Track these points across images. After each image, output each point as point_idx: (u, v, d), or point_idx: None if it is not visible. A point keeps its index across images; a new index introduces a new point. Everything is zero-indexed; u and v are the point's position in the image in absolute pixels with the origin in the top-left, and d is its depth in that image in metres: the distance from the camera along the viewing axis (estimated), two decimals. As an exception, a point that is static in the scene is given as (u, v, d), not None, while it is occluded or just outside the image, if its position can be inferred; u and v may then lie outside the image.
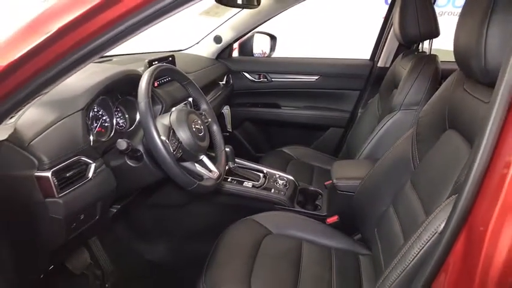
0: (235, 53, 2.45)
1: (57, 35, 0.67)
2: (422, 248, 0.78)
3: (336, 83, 2.29)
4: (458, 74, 1.10)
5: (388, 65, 2.14)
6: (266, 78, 2.37)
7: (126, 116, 1.31)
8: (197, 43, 2.30)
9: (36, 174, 0.88)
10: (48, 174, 0.89)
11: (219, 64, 2.27)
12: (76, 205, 0.96)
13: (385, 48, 2.17)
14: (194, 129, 1.13)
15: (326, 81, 2.29)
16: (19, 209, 0.91)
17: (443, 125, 1.10)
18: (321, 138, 2.40)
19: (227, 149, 1.46)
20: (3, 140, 0.85)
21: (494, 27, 0.82)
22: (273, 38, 2.48)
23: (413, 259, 0.81)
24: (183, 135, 1.09)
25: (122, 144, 1.01)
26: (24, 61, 0.69)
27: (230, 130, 2.34)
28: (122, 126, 1.29)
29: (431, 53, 1.72)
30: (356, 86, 2.27)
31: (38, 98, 0.91)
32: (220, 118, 2.29)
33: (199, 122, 1.18)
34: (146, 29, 0.70)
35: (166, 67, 1.14)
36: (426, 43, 1.76)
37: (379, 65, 2.21)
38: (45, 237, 0.95)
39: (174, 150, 1.04)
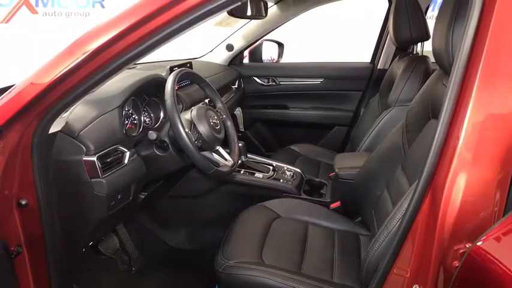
0: (246, 60, 2.65)
1: (92, 54, 0.85)
2: (404, 213, 0.94)
3: (340, 85, 2.46)
4: (438, 72, 1.26)
5: (387, 67, 2.30)
6: (275, 82, 2.56)
7: (152, 115, 1.51)
8: (211, 51, 2.50)
9: (85, 158, 1.08)
10: (94, 158, 1.09)
11: (231, 70, 2.47)
12: (115, 185, 1.16)
13: (383, 51, 2.34)
14: (212, 123, 1.33)
15: (330, 83, 2.47)
16: (70, 187, 1.11)
17: (427, 115, 1.26)
18: (327, 136, 2.57)
19: (240, 144, 1.65)
20: (58, 131, 1.05)
21: (457, 28, 0.98)
22: (280, 45, 2.66)
23: (396, 224, 0.97)
24: (203, 128, 1.28)
25: (152, 135, 1.21)
26: (68, 74, 0.87)
27: (243, 130, 2.53)
28: (148, 123, 1.49)
29: (424, 54, 1.89)
30: (358, 87, 2.44)
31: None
32: (233, 119, 2.47)
33: (215, 117, 1.38)
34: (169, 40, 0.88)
35: (187, 71, 1.34)
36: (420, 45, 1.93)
37: (378, 67, 2.38)
38: (90, 211, 1.15)
39: (195, 140, 1.24)
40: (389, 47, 2.30)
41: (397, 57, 2.09)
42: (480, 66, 0.75)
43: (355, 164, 1.64)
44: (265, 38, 2.50)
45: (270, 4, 2.26)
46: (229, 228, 1.44)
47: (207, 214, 1.87)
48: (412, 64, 1.77)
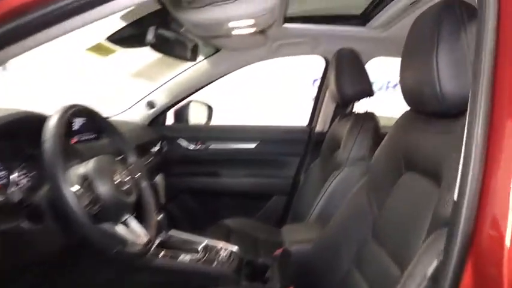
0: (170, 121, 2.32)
1: None
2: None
3: (276, 149, 2.23)
4: (408, 116, 1.07)
5: (325, 130, 2.15)
6: (203, 145, 2.24)
7: (33, 172, 1.06)
8: (129, 108, 2.14)
9: None
10: None
11: (151, 130, 2.12)
12: None
13: (321, 113, 2.20)
14: (117, 181, 0.92)
15: (265, 147, 2.22)
16: None
17: (399, 169, 1.03)
18: (265, 208, 2.25)
19: (159, 216, 1.24)
20: None
21: (443, 53, 0.80)
22: (209, 108, 2.41)
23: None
24: (102, 187, 0.87)
25: (16, 194, 0.76)
26: None
27: (164, 203, 2.10)
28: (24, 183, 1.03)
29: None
30: (296, 151, 2.22)
31: None
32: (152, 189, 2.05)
33: (124, 174, 0.98)
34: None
35: (82, 107, 0.96)
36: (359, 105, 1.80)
37: (317, 130, 2.22)
38: None
39: (88, 205, 0.81)
40: (327, 108, 2.17)
41: (338, 118, 1.94)
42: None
43: (308, 236, 1.32)
44: (193, 98, 2.23)
45: (200, 58, 2.04)
46: None
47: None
48: (359, 122, 1.61)
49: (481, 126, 0.58)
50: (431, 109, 0.88)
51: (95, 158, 0.93)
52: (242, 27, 1.39)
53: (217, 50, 2.00)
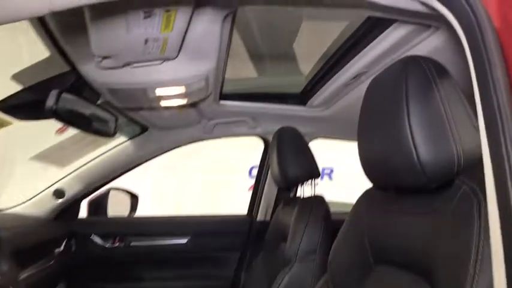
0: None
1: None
2: None
3: (211, 244, 1.91)
4: (371, 195, 0.88)
5: (268, 218, 1.92)
6: (123, 242, 1.85)
7: None
8: (30, 199, 1.74)
9: None
10: None
11: (57, 224, 1.71)
12: None
13: (262, 200, 1.98)
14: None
15: (199, 242, 1.90)
16: None
17: (366, 262, 0.81)
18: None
19: None
20: None
21: (415, 114, 0.66)
22: (133, 197, 2.08)
23: None
24: None
25: None
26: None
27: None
28: None
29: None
30: (235, 245, 1.92)
31: None
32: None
33: None
34: None
35: None
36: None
37: (258, 219, 1.97)
38: None
39: None
40: (268, 194, 1.96)
41: (281, 204, 1.73)
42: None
43: None
44: (113, 185, 1.91)
45: (123, 139, 1.78)
46: None
47: None
48: (307, 207, 1.41)
49: None
50: (406, 184, 0.70)
51: None
52: (171, 96, 1.19)
53: (143, 130, 1.77)
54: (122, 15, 0.79)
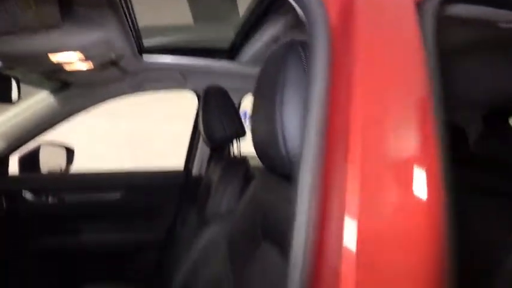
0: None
1: None
2: None
3: (146, 198, 1.92)
4: (265, 173, 0.89)
5: (203, 173, 1.93)
6: (56, 198, 1.83)
7: None
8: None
9: None
10: None
11: None
12: None
13: (197, 155, 1.98)
14: None
15: (133, 196, 1.90)
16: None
17: (256, 238, 0.84)
18: (134, 267, 1.90)
19: None
20: None
21: (288, 99, 0.65)
22: (69, 151, 2.01)
23: None
24: None
25: None
26: None
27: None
28: None
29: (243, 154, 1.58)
30: (170, 199, 1.95)
31: None
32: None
33: None
34: None
35: None
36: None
37: (194, 174, 1.98)
38: None
39: None
40: (203, 149, 1.96)
41: (213, 161, 1.73)
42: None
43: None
44: (42, 140, 1.83)
45: (47, 93, 1.67)
46: None
47: None
48: (229, 169, 1.42)
49: None
50: (279, 170, 0.71)
51: None
52: (71, 61, 1.10)
53: (66, 85, 1.66)
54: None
